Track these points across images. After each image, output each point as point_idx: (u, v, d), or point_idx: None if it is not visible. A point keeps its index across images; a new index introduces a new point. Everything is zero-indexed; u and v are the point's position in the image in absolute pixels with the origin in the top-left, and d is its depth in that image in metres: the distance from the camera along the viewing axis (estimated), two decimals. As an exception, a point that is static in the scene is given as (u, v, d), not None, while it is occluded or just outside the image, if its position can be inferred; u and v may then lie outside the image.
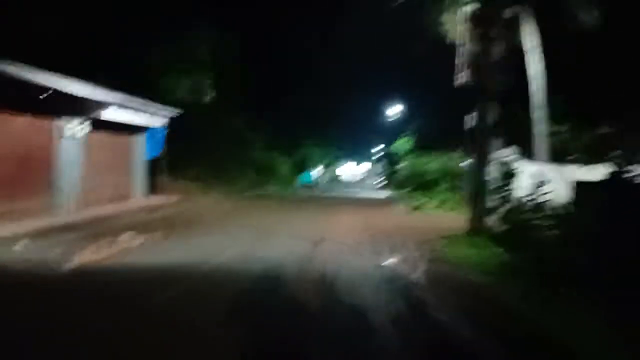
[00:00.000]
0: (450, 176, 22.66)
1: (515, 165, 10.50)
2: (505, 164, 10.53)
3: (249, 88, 25.50)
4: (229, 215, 14.35)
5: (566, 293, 5.67)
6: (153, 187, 17.22)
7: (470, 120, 9.96)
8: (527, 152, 15.25)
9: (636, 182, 6.82)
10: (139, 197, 15.92)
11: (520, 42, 14.34)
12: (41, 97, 10.63)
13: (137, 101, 14.93)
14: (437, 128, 30.15)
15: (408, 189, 24.91)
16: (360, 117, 50.53)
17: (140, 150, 16.30)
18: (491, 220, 10.00)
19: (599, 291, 5.40)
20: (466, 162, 20.76)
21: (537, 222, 7.74)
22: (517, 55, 11.56)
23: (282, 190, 29.09)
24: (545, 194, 8.11)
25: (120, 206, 13.76)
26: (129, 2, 18.46)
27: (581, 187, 8.18)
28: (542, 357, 4.41)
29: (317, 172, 45.16)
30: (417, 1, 15.74)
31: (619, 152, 10.50)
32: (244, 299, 5.74)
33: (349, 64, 37.05)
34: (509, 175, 9.48)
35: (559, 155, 15.25)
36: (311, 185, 39.04)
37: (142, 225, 11.06)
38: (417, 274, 7.17)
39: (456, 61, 10.00)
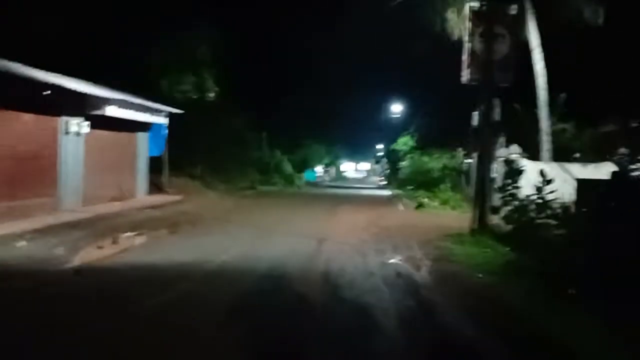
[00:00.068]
0: (452, 175, 22.66)
1: (520, 163, 10.46)
2: (509, 162, 10.49)
3: (249, 88, 25.49)
4: (231, 214, 14.34)
5: (571, 293, 5.63)
6: (155, 186, 17.23)
7: (476, 117, 9.92)
8: (530, 151, 15.21)
9: (641, 180, 6.78)
10: (141, 196, 15.91)
11: (524, 39, 14.27)
12: (44, 94, 10.63)
13: (138, 100, 14.95)
14: (438, 127, 30.12)
15: (410, 187, 24.89)
16: (362, 116, 50.53)
17: (143, 148, 16.30)
18: (495, 219, 9.96)
19: (601, 291, 5.37)
20: (469, 160, 20.80)
21: (542, 221, 7.69)
22: (520, 52, 11.48)
23: (284, 189, 29.10)
24: (550, 193, 8.06)
25: (122, 204, 13.75)
26: (129, 2, 18.45)
27: (585, 186, 8.14)
28: (547, 358, 4.38)
29: (320, 170, 45.25)
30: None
31: (623, 150, 10.47)
32: (246, 299, 5.71)
33: (349, 64, 37.06)
34: (513, 173, 9.43)
35: (562, 154, 15.20)
36: (314, 183, 39.14)
37: (144, 223, 11.04)
38: (422, 273, 7.15)
39: (463, 58, 9.95)
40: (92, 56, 17.15)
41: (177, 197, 16.54)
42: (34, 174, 11.31)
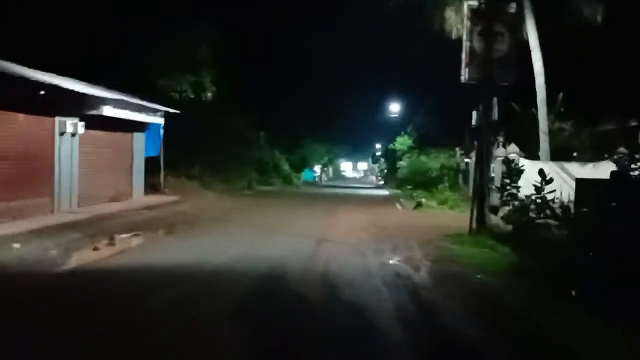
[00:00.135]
0: (450, 174, 22.66)
1: (519, 162, 10.42)
2: (508, 161, 10.45)
3: (249, 87, 25.44)
4: (230, 214, 14.27)
5: (573, 294, 5.59)
6: (152, 186, 17.15)
7: (476, 116, 9.87)
8: (528, 150, 15.19)
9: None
10: (138, 196, 15.82)
11: (523, 38, 14.26)
12: (40, 94, 10.55)
13: (135, 99, 14.87)
14: (437, 126, 30.12)
15: (409, 187, 24.88)
16: (361, 116, 50.59)
17: (139, 149, 16.21)
18: (495, 219, 9.92)
19: (602, 292, 5.33)
20: (467, 160, 20.79)
21: (543, 221, 7.64)
22: (519, 51, 11.43)
23: (283, 188, 29.04)
24: (550, 192, 8.02)
25: (119, 205, 13.67)
26: (129, 2, 18.39)
27: (585, 186, 8.10)
28: (547, 358, 4.35)
29: (318, 170, 45.24)
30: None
31: (622, 149, 10.44)
32: (245, 300, 5.66)
33: (349, 64, 37.04)
34: (513, 173, 9.38)
35: (560, 153, 15.18)
36: (313, 183, 39.13)
37: (141, 224, 10.96)
38: (421, 274, 7.09)
39: (462, 57, 9.90)
40: (92, 56, 17.12)
41: (174, 198, 16.46)
42: (29, 174, 11.22)
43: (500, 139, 15.80)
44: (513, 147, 14.95)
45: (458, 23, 14.75)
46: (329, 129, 43.65)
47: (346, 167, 69.25)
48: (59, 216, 11.30)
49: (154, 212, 13.61)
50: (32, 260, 7.30)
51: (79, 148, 12.64)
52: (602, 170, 10.22)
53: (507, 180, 9.52)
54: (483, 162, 10.09)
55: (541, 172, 8.16)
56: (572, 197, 8.22)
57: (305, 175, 39.43)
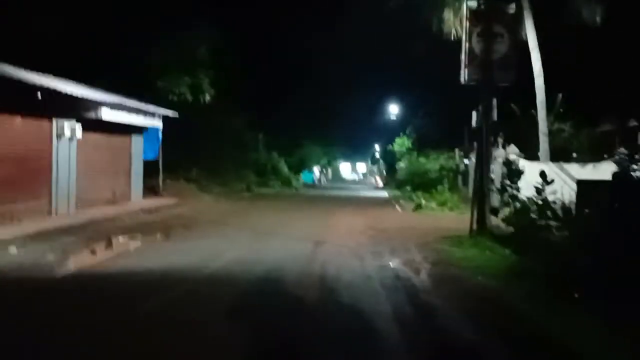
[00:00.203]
0: (450, 176, 22.60)
1: (519, 163, 10.37)
2: (508, 162, 10.39)
3: (248, 88, 25.39)
4: (228, 217, 14.20)
5: (576, 296, 5.53)
6: (150, 189, 17.08)
7: (476, 117, 9.82)
8: (527, 151, 15.15)
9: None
10: (136, 199, 15.76)
11: (522, 39, 14.22)
12: (38, 97, 10.48)
13: (133, 102, 14.80)
14: (436, 127, 30.14)
15: (408, 188, 24.83)
16: (360, 117, 50.61)
17: (138, 151, 16.15)
18: (495, 221, 9.85)
19: (605, 293, 5.28)
20: (467, 161, 20.74)
21: (544, 222, 7.58)
22: (518, 52, 11.40)
23: (282, 190, 28.97)
24: (551, 193, 7.97)
25: (117, 208, 13.60)
26: (128, 2, 18.34)
27: (585, 187, 8.05)
28: (548, 359, 4.31)
29: (317, 171, 45.17)
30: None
31: (622, 150, 10.38)
32: (245, 301, 5.63)
33: (349, 64, 37.07)
34: (513, 174, 9.32)
35: (559, 154, 15.14)
36: (312, 185, 39.06)
37: (139, 227, 10.90)
38: (421, 276, 7.03)
39: (461, 57, 9.85)
40: (92, 56, 17.08)
41: (172, 201, 16.40)
42: (26, 177, 11.15)
43: (500, 140, 15.77)
44: (513, 148, 14.91)
45: (457, 25, 14.72)
46: (327, 130, 43.61)
47: (345, 168, 69.26)
48: (56, 219, 11.23)
49: (152, 215, 13.54)
50: (29, 263, 7.24)
51: (77, 151, 12.57)
52: (602, 170, 10.18)
53: (508, 182, 9.46)
54: (483, 163, 10.03)
55: (542, 174, 8.11)
56: (573, 198, 8.17)
57: (304, 177, 39.36)
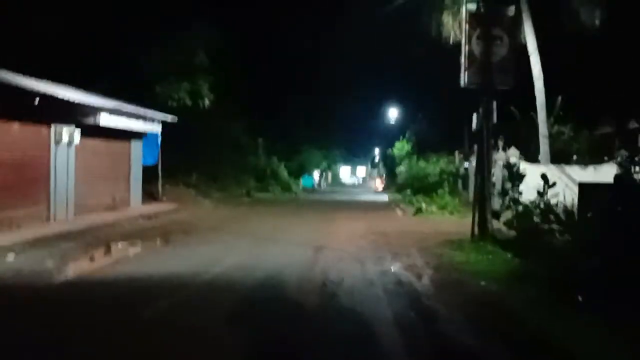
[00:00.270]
0: (450, 179, 22.57)
1: (521, 166, 10.32)
2: (509, 165, 10.34)
3: (248, 92, 25.36)
4: (227, 223, 14.13)
5: (579, 300, 5.48)
6: (150, 195, 17.02)
7: (476, 120, 9.78)
8: (527, 154, 15.13)
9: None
10: (135, 205, 15.70)
11: (522, 41, 14.22)
12: (35, 103, 10.44)
13: (132, 107, 14.77)
14: (436, 130, 30.14)
15: (408, 192, 24.77)
16: (360, 121, 50.64)
17: (136, 157, 16.10)
18: (496, 224, 9.79)
19: (608, 297, 5.24)
20: (467, 165, 20.71)
21: (546, 226, 7.52)
22: (518, 55, 11.39)
23: (282, 195, 28.91)
24: (553, 196, 7.92)
25: (116, 214, 13.54)
26: (128, 2, 18.35)
27: (587, 189, 8.00)
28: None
29: (317, 176, 45.12)
30: (418, 2, 15.64)
31: (622, 152, 10.34)
32: (243, 310, 5.55)
33: (349, 65, 37.11)
34: (514, 177, 9.27)
35: (559, 156, 15.12)
36: (312, 189, 39.00)
37: (138, 233, 10.85)
38: (423, 281, 6.97)
39: (461, 61, 9.83)
40: (92, 57, 17.07)
41: (171, 206, 16.34)
42: (25, 183, 11.10)
43: (500, 142, 15.75)
44: (513, 151, 14.88)
45: (456, 28, 14.72)
46: (327, 133, 43.59)
47: (345, 172, 69.23)
48: (55, 225, 11.17)
49: (151, 220, 13.48)
50: (27, 270, 7.19)
51: (76, 156, 12.52)
52: (603, 173, 10.14)
53: (509, 185, 9.41)
54: (484, 166, 9.98)
55: (544, 177, 8.06)
56: (574, 201, 8.12)
57: (303, 181, 39.28)
